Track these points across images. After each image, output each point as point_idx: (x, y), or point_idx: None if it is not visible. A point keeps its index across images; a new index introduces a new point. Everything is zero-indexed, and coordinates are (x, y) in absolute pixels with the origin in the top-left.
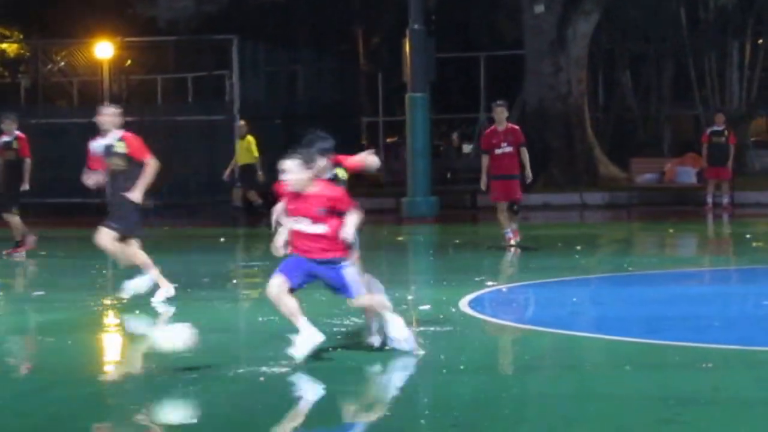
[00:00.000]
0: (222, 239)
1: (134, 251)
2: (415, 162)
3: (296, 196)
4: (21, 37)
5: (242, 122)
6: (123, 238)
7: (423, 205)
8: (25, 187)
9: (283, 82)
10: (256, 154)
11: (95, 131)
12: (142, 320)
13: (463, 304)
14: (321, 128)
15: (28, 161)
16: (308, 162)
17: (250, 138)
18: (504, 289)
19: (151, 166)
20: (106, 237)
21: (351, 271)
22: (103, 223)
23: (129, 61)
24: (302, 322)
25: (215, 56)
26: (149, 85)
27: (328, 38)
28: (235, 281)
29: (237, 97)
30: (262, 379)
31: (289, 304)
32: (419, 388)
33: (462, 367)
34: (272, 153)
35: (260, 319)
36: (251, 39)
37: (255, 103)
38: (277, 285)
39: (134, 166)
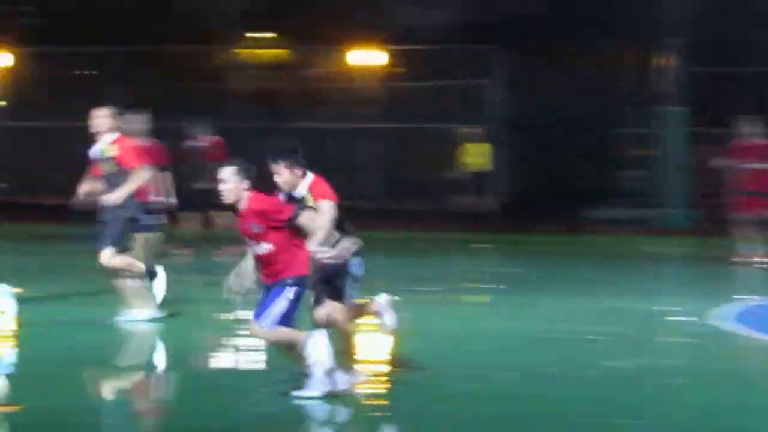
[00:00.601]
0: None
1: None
2: (673, 175)
3: (237, 212)
4: (280, 42)
5: (467, 129)
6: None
7: (680, 217)
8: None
9: (537, 93)
10: (489, 161)
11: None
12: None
13: (710, 316)
14: (570, 139)
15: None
16: (245, 171)
17: (487, 145)
18: (754, 303)
19: (139, 173)
20: (104, 258)
21: (283, 299)
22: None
23: (389, 69)
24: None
25: (471, 65)
26: (407, 93)
27: (582, 49)
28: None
29: (496, 106)
30: (471, 384)
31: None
32: (648, 397)
33: (697, 378)
34: (524, 163)
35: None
36: (509, 49)
37: (509, 114)
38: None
39: (125, 172)
